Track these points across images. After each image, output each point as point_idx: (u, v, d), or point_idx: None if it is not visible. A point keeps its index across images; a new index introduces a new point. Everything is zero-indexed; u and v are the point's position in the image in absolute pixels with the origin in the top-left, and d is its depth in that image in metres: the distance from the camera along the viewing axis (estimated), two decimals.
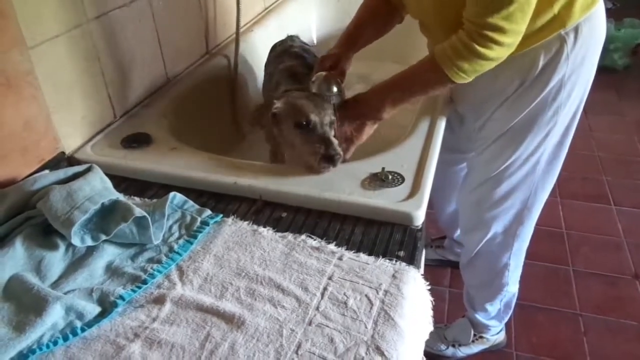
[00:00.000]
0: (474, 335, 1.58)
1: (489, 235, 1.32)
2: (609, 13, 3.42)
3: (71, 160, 1.02)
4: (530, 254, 1.80)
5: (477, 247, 1.36)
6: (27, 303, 0.68)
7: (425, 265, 1.85)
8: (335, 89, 1.04)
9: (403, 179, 0.93)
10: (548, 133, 1.13)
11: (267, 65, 1.40)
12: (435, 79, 0.99)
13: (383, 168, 0.94)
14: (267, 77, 1.34)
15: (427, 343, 0.75)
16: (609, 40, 3.22)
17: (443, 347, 1.61)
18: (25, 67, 0.88)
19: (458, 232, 1.72)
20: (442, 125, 1.12)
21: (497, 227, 1.31)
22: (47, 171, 0.92)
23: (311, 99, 1.01)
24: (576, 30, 1.01)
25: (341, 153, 0.95)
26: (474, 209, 1.32)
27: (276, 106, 1.00)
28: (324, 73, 1.08)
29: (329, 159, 0.94)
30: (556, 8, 0.97)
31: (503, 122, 1.14)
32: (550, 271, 1.88)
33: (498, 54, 0.93)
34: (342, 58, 1.15)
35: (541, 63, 1.03)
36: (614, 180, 2.34)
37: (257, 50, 1.63)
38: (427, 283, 0.78)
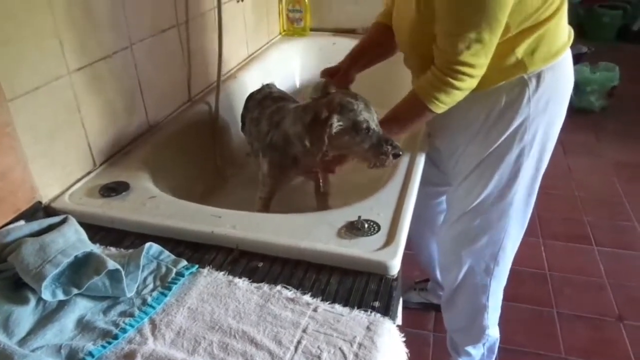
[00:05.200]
0: None
1: (466, 273, 1.35)
2: (585, 57, 3.56)
3: (48, 210, 1.02)
4: (513, 296, 1.81)
5: (454, 285, 1.38)
6: None
7: (409, 308, 1.85)
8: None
9: (379, 228, 0.93)
10: (517, 173, 1.19)
11: (248, 112, 1.42)
12: (420, 112, 1.12)
13: (359, 216, 0.95)
14: (253, 122, 1.36)
15: None
16: (585, 82, 3.33)
17: None
18: (4, 119, 0.89)
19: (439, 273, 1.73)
20: (419, 169, 1.14)
21: (474, 266, 1.34)
22: (22, 222, 0.91)
23: (357, 104, 1.09)
24: (539, 76, 1.09)
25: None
26: (452, 245, 1.36)
27: (337, 124, 1.08)
28: (323, 80, 1.27)
29: (398, 155, 1.08)
30: (519, 53, 1.06)
31: (474, 158, 1.21)
32: (534, 313, 1.88)
33: (469, 84, 1.05)
34: (343, 71, 1.29)
35: (504, 101, 1.12)
36: (595, 220, 2.38)
37: (240, 96, 1.65)
38: (403, 335, 0.77)
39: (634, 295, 1.95)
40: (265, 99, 1.37)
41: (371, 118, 1.09)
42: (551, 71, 1.10)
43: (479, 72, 1.03)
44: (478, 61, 1.01)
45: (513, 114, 1.12)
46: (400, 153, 1.09)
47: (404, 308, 1.80)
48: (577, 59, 3.52)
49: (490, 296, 1.38)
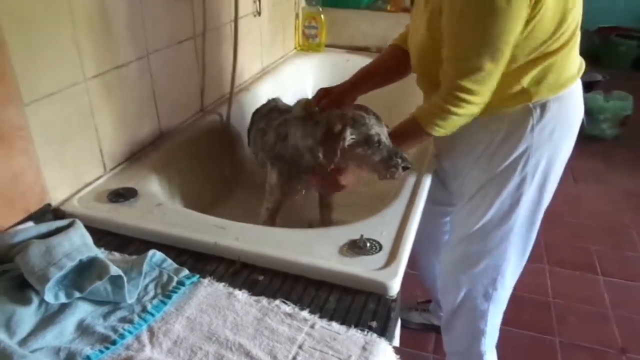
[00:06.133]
0: None
1: (464, 297, 1.35)
2: (599, 85, 3.55)
3: (57, 212, 1.04)
4: (515, 322, 1.80)
5: (452, 308, 1.38)
6: None
7: (410, 329, 1.85)
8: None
9: (381, 247, 0.94)
10: (518, 200, 1.19)
11: (254, 125, 1.43)
12: (419, 134, 1.15)
13: (362, 235, 0.96)
14: (259, 133, 1.37)
15: None
16: (598, 110, 3.33)
17: None
18: (19, 122, 0.91)
19: None
20: (424, 191, 1.15)
21: (472, 290, 1.34)
22: (30, 223, 0.93)
23: (369, 118, 1.13)
24: (544, 106, 1.10)
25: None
26: (451, 267, 1.37)
27: (350, 137, 1.11)
28: (304, 99, 1.32)
29: (407, 168, 1.12)
30: (524, 82, 1.07)
31: (476, 181, 1.22)
32: (536, 341, 1.86)
33: (468, 111, 1.06)
34: (339, 93, 1.31)
35: (507, 128, 1.13)
36: (602, 249, 2.35)
37: (252, 108, 1.67)
38: (399, 356, 0.77)
39: (639, 327, 1.92)
40: (272, 112, 1.39)
41: (382, 132, 1.12)
42: (558, 102, 1.10)
43: (479, 99, 1.04)
44: (478, 88, 1.02)
45: (516, 142, 1.13)
46: (410, 166, 1.12)
47: (404, 328, 1.80)
48: (591, 86, 3.51)
49: (489, 322, 1.37)
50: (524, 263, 1.32)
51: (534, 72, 1.06)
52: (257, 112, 1.47)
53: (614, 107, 3.38)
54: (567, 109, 1.12)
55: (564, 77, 1.09)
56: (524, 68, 1.05)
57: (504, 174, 1.17)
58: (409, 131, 1.16)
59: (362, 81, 1.35)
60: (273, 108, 1.41)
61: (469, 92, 1.02)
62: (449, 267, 1.38)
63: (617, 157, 3.23)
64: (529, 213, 1.22)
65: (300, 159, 1.22)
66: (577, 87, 1.14)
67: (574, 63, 1.12)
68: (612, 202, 2.75)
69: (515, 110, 1.10)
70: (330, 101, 1.29)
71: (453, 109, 1.04)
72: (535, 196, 1.20)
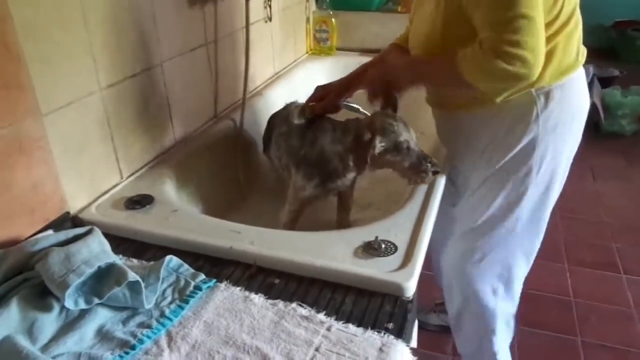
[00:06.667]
0: None
1: (470, 293, 1.34)
2: (617, 80, 3.49)
3: (75, 220, 1.05)
4: (536, 322, 1.78)
5: (458, 306, 1.37)
6: None
7: (429, 330, 1.83)
8: (302, 120, 1.29)
9: (396, 249, 0.94)
10: (524, 194, 1.18)
11: (274, 128, 1.42)
12: (460, 84, 1.04)
13: (376, 237, 0.96)
14: (282, 136, 1.35)
15: None
16: (616, 106, 3.28)
17: None
18: (38, 133, 0.93)
19: None
20: (438, 192, 1.14)
21: (478, 286, 1.31)
22: (50, 231, 0.95)
23: (397, 125, 1.13)
24: (547, 94, 1.08)
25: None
26: (457, 262, 1.35)
27: (379, 145, 1.11)
28: (301, 104, 1.35)
29: (437, 172, 1.12)
30: None
31: (482, 173, 1.21)
32: (558, 341, 1.83)
33: (519, 69, 0.96)
34: (337, 87, 1.31)
35: (511, 118, 1.11)
36: (623, 247, 2.31)
37: (265, 113, 1.68)
38: (417, 358, 0.77)
39: None
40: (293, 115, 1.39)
41: (410, 137, 1.13)
42: (559, 90, 1.09)
43: (529, 54, 0.94)
44: (524, 38, 0.94)
45: (521, 133, 1.12)
46: (440, 170, 1.12)
47: (423, 330, 1.79)
48: (609, 82, 3.45)
49: (498, 320, 1.35)
50: (532, 260, 1.30)
51: None
52: (276, 116, 1.46)
53: (633, 102, 3.32)
54: (570, 97, 1.11)
55: (566, 62, 1.08)
56: None
57: (509, 166, 1.16)
58: (439, 72, 1.09)
59: (360, 78, 1.34)
60: (293, 111, 1.41)
61: (516, 44, 0.94)
62: (454, 262, 1.36)
63: (637, 153, 3.17)
64: (534, 208, 1.20)
65: (327, 162, 1.22)
66: (578, 76, 1.12)
67: (575, 49, 1.10)
68: (634, 199, 2.70)
69: (518, 98, 1.08)
70: (327, 105, 1.29)
71: (506, 66, 0.95)
72: (542, 190, 1.18)
